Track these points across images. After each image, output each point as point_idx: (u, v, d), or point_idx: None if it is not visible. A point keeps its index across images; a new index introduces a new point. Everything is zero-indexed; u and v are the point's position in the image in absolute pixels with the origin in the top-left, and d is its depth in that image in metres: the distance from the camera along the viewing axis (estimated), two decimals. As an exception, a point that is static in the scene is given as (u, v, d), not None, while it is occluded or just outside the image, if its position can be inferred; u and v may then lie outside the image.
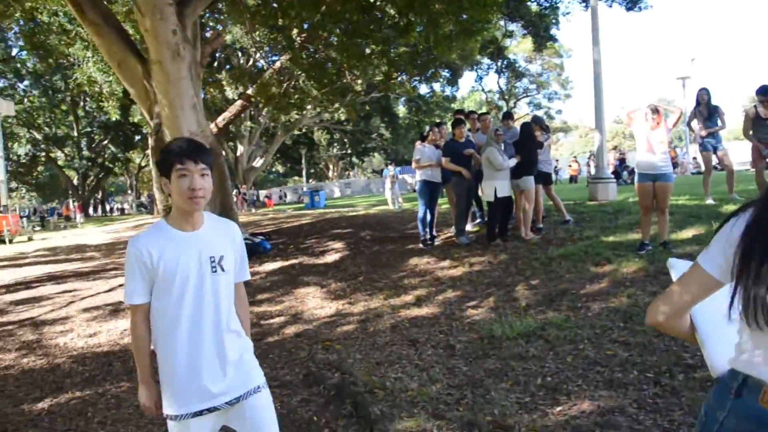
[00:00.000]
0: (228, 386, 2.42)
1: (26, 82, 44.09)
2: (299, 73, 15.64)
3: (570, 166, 33.46)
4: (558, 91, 57.73)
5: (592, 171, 17.99)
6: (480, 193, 10.00)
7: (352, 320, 6.75)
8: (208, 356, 2.39)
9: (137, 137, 42.59)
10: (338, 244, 11.88)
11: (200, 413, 2.36)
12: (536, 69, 55.34)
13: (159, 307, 2.37)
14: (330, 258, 10.61)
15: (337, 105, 20.11)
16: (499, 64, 47.39)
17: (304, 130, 41.06)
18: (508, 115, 10.54)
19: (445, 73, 26.98)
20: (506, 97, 53.04)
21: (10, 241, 23.17)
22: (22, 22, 22.92)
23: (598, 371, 4.35)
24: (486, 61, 44.77)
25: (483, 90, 55.59)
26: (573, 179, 31.36)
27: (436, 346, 5.47)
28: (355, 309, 7.21)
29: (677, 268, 1.70)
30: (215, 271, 2.40)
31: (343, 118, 30.26)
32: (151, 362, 2.47)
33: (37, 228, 33.20)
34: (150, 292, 2.37)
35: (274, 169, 63.24)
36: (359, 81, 17.15)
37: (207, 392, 2.37)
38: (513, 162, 8.98)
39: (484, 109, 41.98)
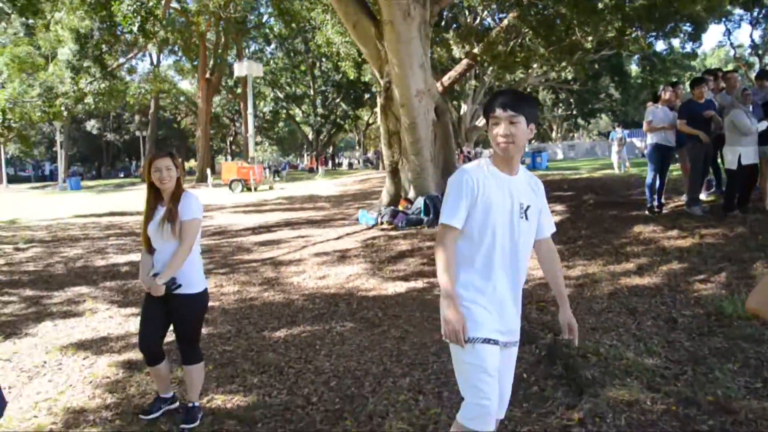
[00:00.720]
0: (514, 328, 2.62)
1: (272, 46, 48.78)
2: (526, 30, 15.34)
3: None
4: (832, 41, 49.87)
5: None
6: (718, 159, 9.18)
7: (568, 283, 6.65)
8: (509, 293, 2.57)
9: (366, 95, 44.76)
10: (559, 207, 11.66)
11: (487, 341, 2.50)
12: (804, 16, 48.10)
13: (477, 238, 2.54)
14: (549, 220, 10.46)
15: (564, 63, 19.42)
16: (754, 13, 42.04)
17: (528, 90, 40.18)
18: (764, 74, 9.44)
19: (687, 27, 24.54)
20: (760, 52, 46.96)
21: (255, 189, 25.88)
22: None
23: None
24: (738, 11, 39.86)
25: (731, 45, 49.86)
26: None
27: (657, 318, 5.23)
28: (572, 273, 7.09)
29: None
30: (522, 218, 2.56)
31: (570, 77, 29.10)
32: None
33: (277, 179, 36.47)
34: (465, 221, 2.53)
35: (496, 129, 62.81)
36: (589, 38, 16.31)
37: (500, 326, 2.54)
38: (763, 126, 8.07)
39: (730, 67, 37.98)
